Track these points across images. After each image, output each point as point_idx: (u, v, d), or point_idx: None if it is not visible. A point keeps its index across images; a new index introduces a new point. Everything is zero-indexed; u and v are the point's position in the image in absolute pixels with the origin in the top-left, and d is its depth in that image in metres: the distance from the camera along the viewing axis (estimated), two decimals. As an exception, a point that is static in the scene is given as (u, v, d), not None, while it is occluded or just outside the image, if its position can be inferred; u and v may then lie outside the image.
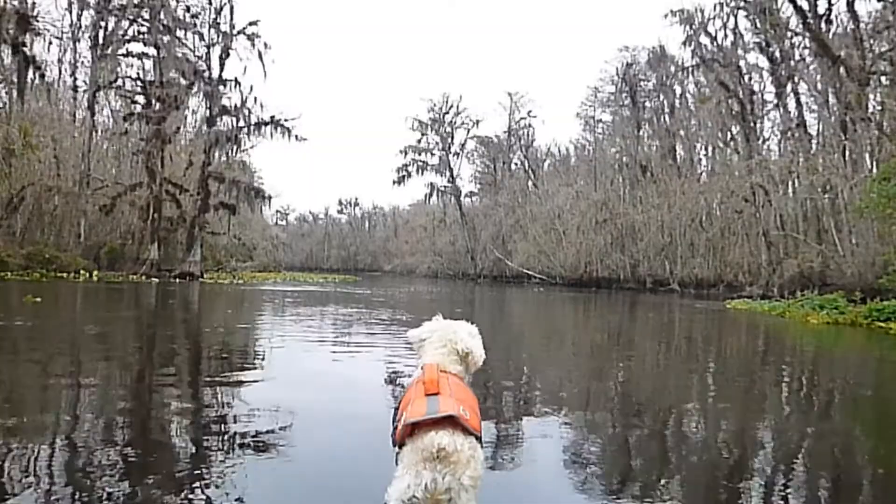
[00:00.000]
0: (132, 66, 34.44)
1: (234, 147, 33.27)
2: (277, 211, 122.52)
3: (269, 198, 35.74)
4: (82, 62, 37.45)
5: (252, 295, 23.97)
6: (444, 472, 2.22)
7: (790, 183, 35.36)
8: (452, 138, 75.21)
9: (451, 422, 2.30)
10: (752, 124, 36.89)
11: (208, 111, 31.88)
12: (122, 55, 34.60)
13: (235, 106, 32.37)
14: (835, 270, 27.42)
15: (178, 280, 29.41)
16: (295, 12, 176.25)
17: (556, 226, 57.81)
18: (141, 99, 32.37)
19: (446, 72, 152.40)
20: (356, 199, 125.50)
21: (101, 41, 36.29)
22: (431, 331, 2.83)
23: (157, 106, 30.81)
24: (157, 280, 28.34)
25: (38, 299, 14.94)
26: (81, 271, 26.66)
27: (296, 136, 32.83)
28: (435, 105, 74.45)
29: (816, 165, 31.39)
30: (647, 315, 22.00)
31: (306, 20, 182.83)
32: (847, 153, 29.80)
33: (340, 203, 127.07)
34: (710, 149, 48.73)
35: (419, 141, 74.13)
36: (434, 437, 2.25)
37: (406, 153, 73.42)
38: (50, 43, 33.65)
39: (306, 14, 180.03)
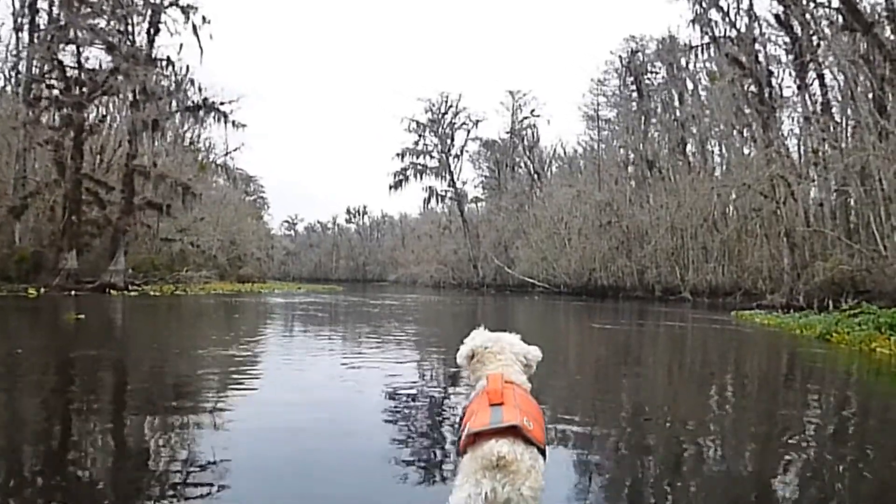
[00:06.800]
0: (66, 52, 30.66)
1: (158, 135, 29.10)
2: (286, 221, 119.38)
3: (200, 195, 31.47)
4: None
5: (156, 310, 19.79)
6: (504, 481, 2.14)
7: (816, 173, 30.52)
8: (452, 140, 71.52)
9: (513, 432, 2.23)
10: (771, 107, 31.97)
11: (132, 94, 27.75)
12: (57, 42, 30.86)
13: (164, 88, 28.31)
14: (876, 274, 22.48)
15: (74, 294, 23.67)
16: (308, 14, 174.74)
17: (558, 230, 53.14)
18: (61, 84, 28.24)
19: (446, 68, 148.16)
20: (364, 207, 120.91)
21: (40, 28, 32.90)
22: (491, 340, 2.70)
23: (76, 90, 26.70)
24: (37, 294, 22.87)
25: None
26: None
27: (233, 123, 29.05)
28: (433, 105, 70.72)
29: (848, 150, 26.50)
30: (652, 338, 17.26)
31: (312, 17, 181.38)
32: (884, 135, 25.04)
33: (349, 212, 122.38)
34: (723, 141, 43.65)
35: (416, 143, 70.54)
36: (494, 446, 2.18)
37: (403, 156, 69.91)
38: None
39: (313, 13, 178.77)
